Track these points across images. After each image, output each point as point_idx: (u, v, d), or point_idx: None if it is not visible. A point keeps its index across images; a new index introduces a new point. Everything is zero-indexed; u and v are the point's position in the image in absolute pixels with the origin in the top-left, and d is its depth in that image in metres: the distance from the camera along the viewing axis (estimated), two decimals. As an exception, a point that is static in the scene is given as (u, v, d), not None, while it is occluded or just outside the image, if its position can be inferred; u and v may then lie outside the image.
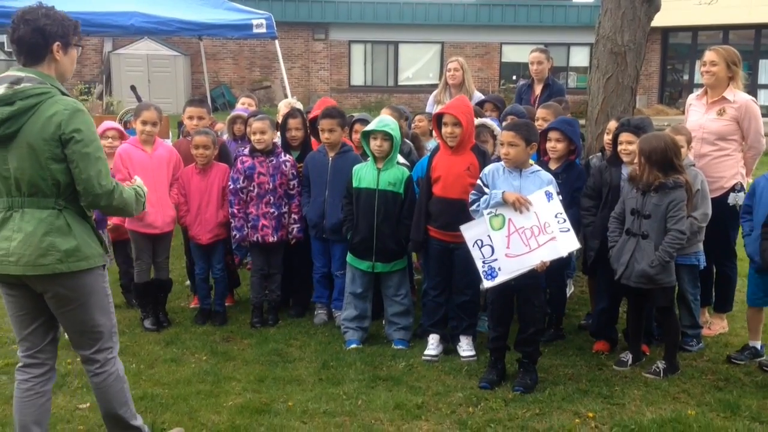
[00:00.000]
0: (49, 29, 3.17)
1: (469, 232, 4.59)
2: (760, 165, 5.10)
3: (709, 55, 5.42)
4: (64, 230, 3.18)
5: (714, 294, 5.69)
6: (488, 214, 4.50)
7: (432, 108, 7.21)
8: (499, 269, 4.48)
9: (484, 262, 4.52)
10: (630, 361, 4.88)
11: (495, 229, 4.48)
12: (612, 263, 4.80)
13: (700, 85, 5.66)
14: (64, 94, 3.20)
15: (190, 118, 6.22)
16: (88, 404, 4.26)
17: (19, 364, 3.41)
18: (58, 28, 3.20)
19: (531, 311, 4.63)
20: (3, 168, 3.13)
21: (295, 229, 5.72)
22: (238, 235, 5.71)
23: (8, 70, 3.21)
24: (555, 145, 5.21)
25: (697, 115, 5.52)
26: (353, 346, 5.23)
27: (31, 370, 3.38)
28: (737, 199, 5.24)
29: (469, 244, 4.58)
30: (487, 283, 4.53)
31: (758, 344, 5.06)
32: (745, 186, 5.33)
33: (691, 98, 5.76)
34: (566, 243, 4.48)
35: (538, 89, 7.24)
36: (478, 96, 7.17)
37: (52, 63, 3.22)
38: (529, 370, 4.62)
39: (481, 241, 4.54)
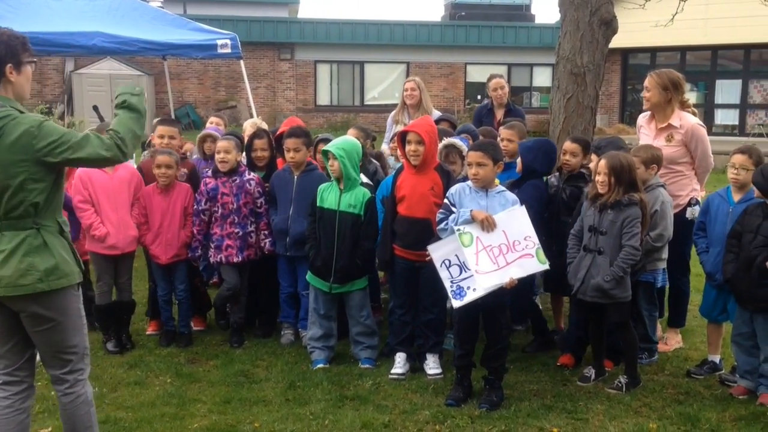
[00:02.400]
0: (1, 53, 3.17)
1: (437, 253, 4.61)
2: (715, 182, 5.21)
3: (645, 81, 5.60)
4: (42, 249, 3.19)
5: (668, 309, 5.80)
6: (457, 231, 4.53)
7: (391, 128, 7.28)
8: (468, 288, 4.50)
9: (452, 282, 4.54)
10: (593, 377, 4.96)
11: (465, 245, 4.52)
12: (569, 279, 4.89)
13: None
14: (21, 112, 3.18)
15: (161, 137, 6.16)
16: (50, 429, 4.19)
17: None
18: (6, 49, 3.19)
19: (497, 329, 4.68)
20: None
21: (268, 243, 5.72)
22: (190, 255, 5.73)
23: None
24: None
25: (647, 139, 5.64)
26: (320, 365, 5.22)
27: (10, 388, 3.35)
28: (694, 212, 5.37)
29: (437, 264, 4.59)
30: (455, 303, 4.53)
31: (717, 358, 5.17)
32: (699, 200, 5.48)
33: (641, 120, 5.83)
34: (535, 261, 4.54)
35: (499, 114, 7.36)
36: (437, 114, 7.25)
37: (7, 85, 3.22)
38: (494, 387, 4.65)
39: (449, 261, 4.56)
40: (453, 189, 4.72)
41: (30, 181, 3.13)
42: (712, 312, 5.13)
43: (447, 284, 4.55)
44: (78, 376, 3.40)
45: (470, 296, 4.49)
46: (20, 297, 3.18)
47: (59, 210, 3.33)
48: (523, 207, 4.62)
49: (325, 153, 5.25)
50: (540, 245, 4.57)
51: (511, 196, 4.70)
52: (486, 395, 4.63)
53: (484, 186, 4.64)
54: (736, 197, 4.96)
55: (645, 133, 5.72)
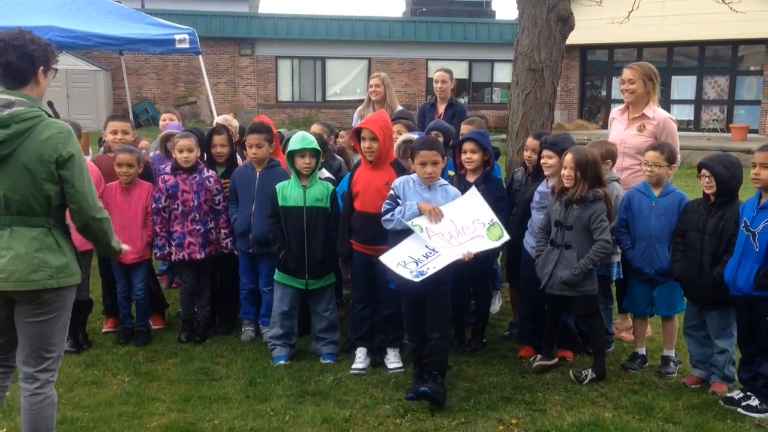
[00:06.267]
0: (36, 54, 3.32)
1: (391, 260, 4.59)
2: (676, 178, 5.28)
3: (626, 74, 5.65)
4: (54, 247, 3.34)
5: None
6: (410, 224, 4.57)
7: (356, 123, 7.27)
8: (428, 268, 4.46)
9: (411, 272, 4.54)
10: (537, 360, 5.10)
11: (419, 233, 4.57)
12: (537, 272, 4.97)
13: (617, 101, 5.95)
14: (49, 116, 3.33)
15: (114, 132, 6.08)
16: (4, 429, 4.11)
17: None
18: (42, 53, 3.35)
19: (435, 316, 4.63)
20: None
21: (229, 243, 5.72)
22: (159, 253, 5.65)
23: None
24: (471, 156, 5.33)
25: (619, 130, 5.75)
26: (281, 362, 5.21)
27: None
28: None
29: (393, 268, 4.57)
30: (417, 280, 4.45)
31: (643, 350, 5.25)
32: None
33: (614, 113, 5.97)
34: (487, 240, 4.60)
35: (441, 108, 7.40)
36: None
37: (35, 86, 3.38)
38: (436, 381, 4.52)
39: (404, 262, 4.58)
40: (397, 182, 4.78)
41: (47, 182, 3.26)
42: (640, 306, 5.19)
43: (407, 275, 4.48)
44: (50, 377, 3.46)
45: (431, 271, 4.47)
46: (29, 291, 3.28)
47: (66, 214, 3.46)
48: (473, 188, 4.73)
49: (292, 153, 5.16)
50: (492, 223, 4.65)
51: (453, 189, 4.81)
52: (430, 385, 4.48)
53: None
54: (656, 192, 5.02)
55: (617, 124, 5.81)
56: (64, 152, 3.27)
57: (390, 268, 4.58)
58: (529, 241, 5.28)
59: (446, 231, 4.58)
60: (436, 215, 4.59)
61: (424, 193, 4.70)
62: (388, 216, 4.68)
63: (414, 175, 4.76)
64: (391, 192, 4.74)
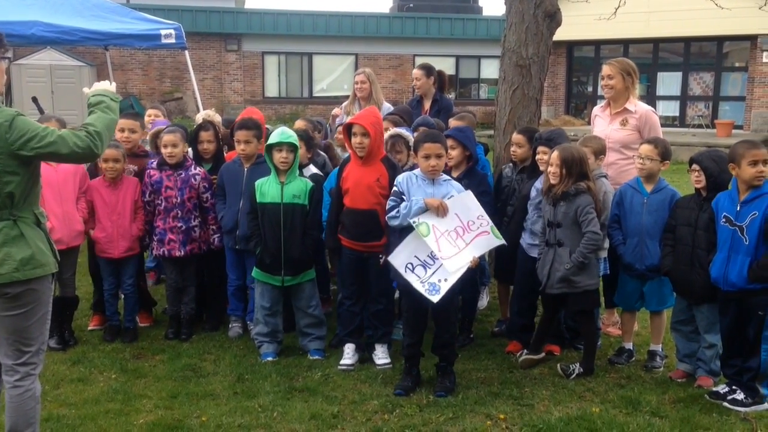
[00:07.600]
0: None
1: (398, 260, 4.59)
2: (670, 173, 5.29)
3: (605, 70, 5.73)
4: (18, 240, 3.29)
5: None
6: (413, 222, 4.55)
7: (342, 119, 7.27)
8: (440, 281, 4.49)
9: (422, 282, 4.54)
10: (523, 355, 5.11)
11: (424, 235, 4.54)
12: (538, 274, 4.99)
13: (603, 97, 5.94)
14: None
15: (121, 130, 5.99)
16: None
17: None
18: None
19: (446, 317, 4.71)
20: None
21: (216, 240, 5.71)
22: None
23: None
24: (450, 153, 5.30)
25: (602, 125, 5.80)
26: (269, 359, 5.19)
27: None
28: None
29: (401, 271, 4.57)
30: (434, 298, 4.50)
31: (630, 344, 5.28)
32: None
33: (596, 110, 6.02)
34: (492, 237, 4.65)
35: (427, 104, 7.42)
36: (387, 107, 7.26)
37: None
38: (447, 372, 4.71)
39: (411, 264, 4.57)
40: (400, 178, 4.76)
41: (5, 174, 3.20)
42: (630, 301, 5.22)
43: (418, 286, 4.52)
44: (30, 370, 3.43)
45: (445, 287, 4.50)
46: None
47: (36, 202, 3.42)
48: (470, 191, 4.72)
49: (269, 147, 5.13)
50: (493, 223, 4.67)
51: (457, 184, 4.79)
52: (440, 382, 4.68)
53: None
54: (648, 188, 5.04)
55: (600, 120, 5.86)
56: (14, 137, 3.18)
57: (399, 272, 4.58)
58: (525, 239, 5.30)
59: (452, 228, 4.57)
60: (442, 210, 4.57)
61: (428, 188, 4.66)
62: (393, 213, 4.64)
63: (417, 170, 4.74)
64: (395, 188, 4.71)
